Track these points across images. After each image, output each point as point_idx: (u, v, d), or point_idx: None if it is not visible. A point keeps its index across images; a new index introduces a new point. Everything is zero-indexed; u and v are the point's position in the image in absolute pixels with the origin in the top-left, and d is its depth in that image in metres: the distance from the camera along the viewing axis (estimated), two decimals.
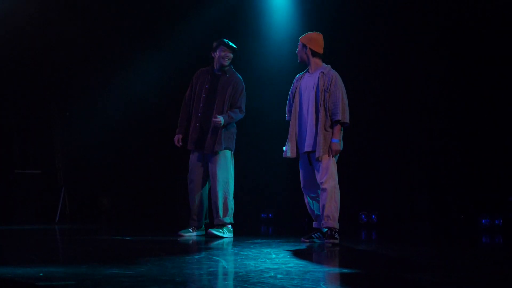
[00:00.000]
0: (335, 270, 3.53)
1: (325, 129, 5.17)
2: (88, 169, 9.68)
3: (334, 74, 5.27)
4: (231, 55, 5.85)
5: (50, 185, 9.23)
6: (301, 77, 5.49)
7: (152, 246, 4.81)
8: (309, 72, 5.43)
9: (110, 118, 9.43)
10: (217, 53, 5.85)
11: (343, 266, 3.70)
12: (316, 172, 5.21)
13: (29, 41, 8.71)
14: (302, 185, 5.43)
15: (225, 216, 5.71)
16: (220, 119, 5.65)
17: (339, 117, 5.15)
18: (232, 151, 5.85)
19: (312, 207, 5.42)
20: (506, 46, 7.34)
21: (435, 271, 3.65)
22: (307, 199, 5.45)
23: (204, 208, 5.86)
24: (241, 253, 4.33)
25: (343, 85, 5.27)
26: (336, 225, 5.10)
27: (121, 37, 9.37)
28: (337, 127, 5.20)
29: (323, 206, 5.10)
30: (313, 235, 5.36)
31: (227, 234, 5.70)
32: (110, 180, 9.83)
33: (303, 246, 4.93)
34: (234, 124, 5.90)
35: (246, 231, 6.74)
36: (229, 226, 5.76)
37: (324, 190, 5.10)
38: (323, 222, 5.13)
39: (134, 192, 9.97)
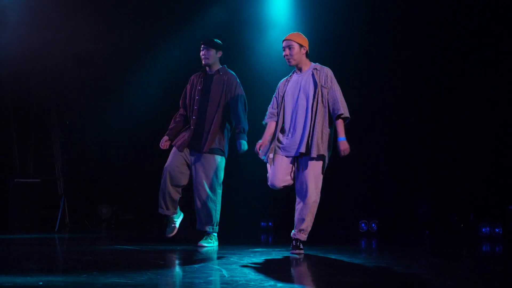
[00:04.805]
0: (335, 278, 3.53)
1: (323, 127, 4.79)
2: (88, 178, 9.67)
3: (328, 69, 4.97)
4: (205, 52, 5.63)
5: (50, 194, 9.21)
6: (287, 80, 5.14)
7: (152, 255, 4.80)
8: (296, 73, 5.10)
9: (110, 127, 9.42)
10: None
11: (343, 274, 3.70)
12: (302, 177, 4.82)
13: (29, 49, 8.72)
14: (270, 181, 4.98)
15: (211, 225, 5.57)
16: (243, 145, 5.48)
17: (342, 111, 4.75)
18: (225, 157, 5.64)
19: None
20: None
21: (434, 279, 3.65)
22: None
23: (176, 200, 5.60)
24: (241, 261, 4.33)
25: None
26: (306, 238, 4.94)
27: (121, 45, 9.38)
28: (342, 124, 4.79)
29: (302, 219, 4.84)
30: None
31: (215, 242, 5.62)
32: (110, 189, 9.83)
33: (303, 255, 4.92)
34: (228, 127, 5.69)
35: (246, 239, 6.73)
36: (215, 234, 5.64)
37: (307, 204, 4.79)
38: (295, 232, 4.93)
39: (134, 201, 9.97)
